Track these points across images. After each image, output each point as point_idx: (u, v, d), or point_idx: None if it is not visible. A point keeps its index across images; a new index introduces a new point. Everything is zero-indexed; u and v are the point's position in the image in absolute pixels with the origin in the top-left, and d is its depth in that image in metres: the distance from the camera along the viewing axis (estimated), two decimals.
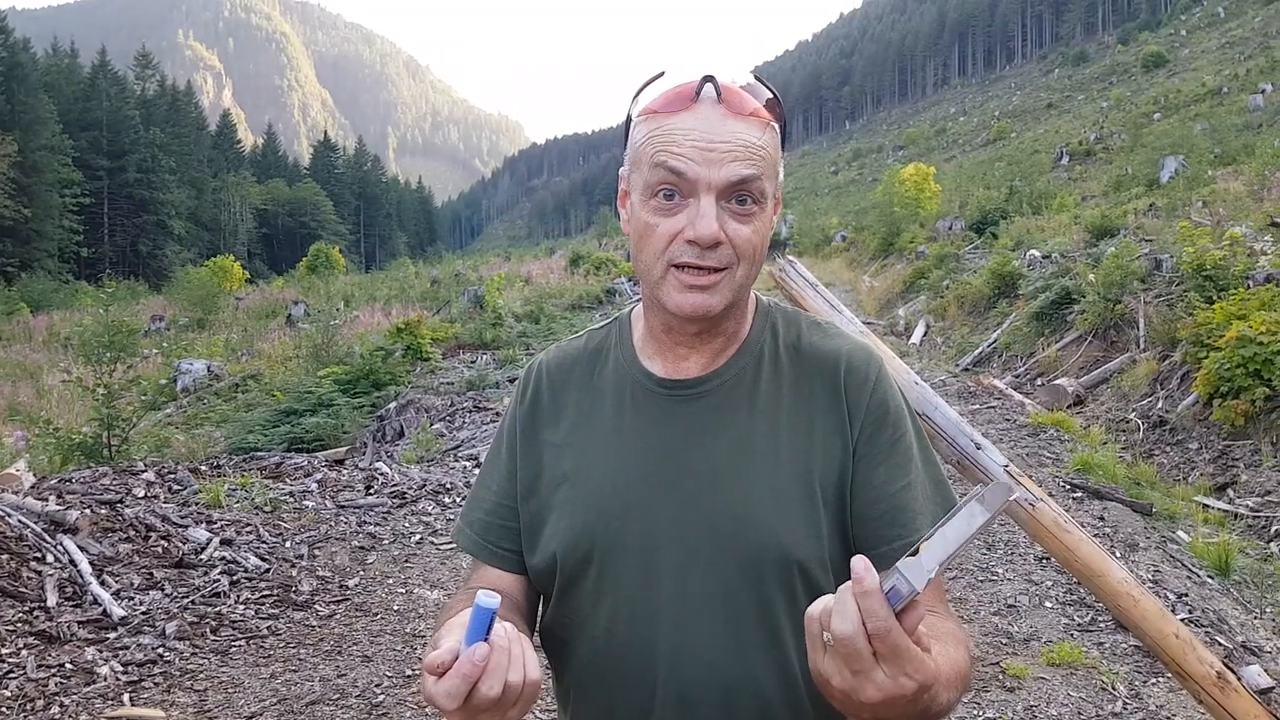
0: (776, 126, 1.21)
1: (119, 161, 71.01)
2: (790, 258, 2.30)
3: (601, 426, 1.30)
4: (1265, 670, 4.18)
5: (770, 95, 1.21)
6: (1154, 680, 4.11)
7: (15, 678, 4.12)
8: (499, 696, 0.94)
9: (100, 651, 4.44)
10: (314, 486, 7.52)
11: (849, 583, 0.86)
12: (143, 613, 4.85)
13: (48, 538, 5.31)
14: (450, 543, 6.28)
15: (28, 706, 3.93)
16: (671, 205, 1.16)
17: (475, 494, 1.39)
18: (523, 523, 1.31)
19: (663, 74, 1.22)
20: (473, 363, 16.06)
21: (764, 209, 1.18)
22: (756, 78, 1.23)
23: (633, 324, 1.36)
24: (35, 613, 4.66)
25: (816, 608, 0.90)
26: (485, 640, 0.94)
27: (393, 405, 11.48)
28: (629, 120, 1.24)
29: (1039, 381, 11.70)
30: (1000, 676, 4.17)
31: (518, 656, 0.96)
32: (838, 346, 1.29)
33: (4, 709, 3.89)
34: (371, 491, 7.45)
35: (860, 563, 0.85)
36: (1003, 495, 0.85)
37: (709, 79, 1.17)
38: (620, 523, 1.23)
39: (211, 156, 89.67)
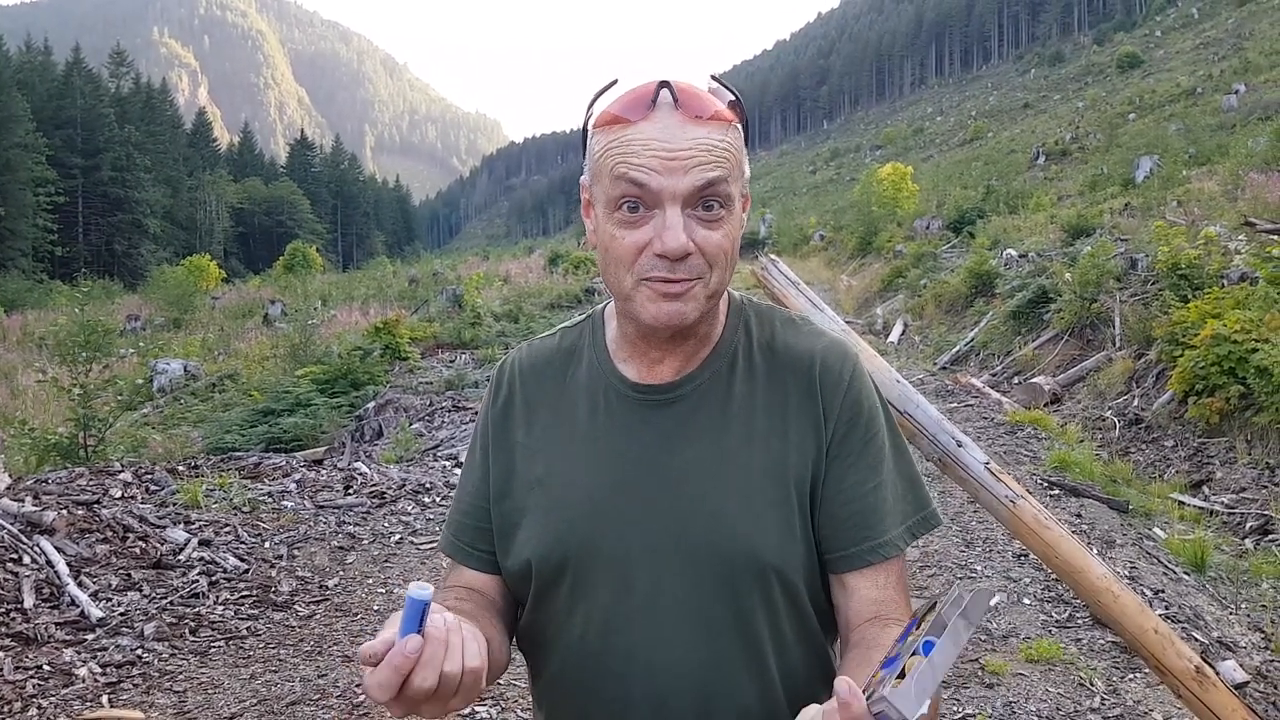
0: (739, 126, 1.18)
1: (93, 160, 70.33)
2: (772, 256, 2.31)
3: (575, 431, 1.28)
4: (1240, 665, 4.23)
5: (732, 97, 1.18)
6: (1131, 676, 4.14)
7: None
8: (434, 688, 0.93)
9: (78, 653, 4.40)
10: (293, 486, 7.48)
11: (834, 704, 0.84)
12: (121, 614, 4.82)
13: (24, 539, 5.26)
14: (430, 542, 6.27)
15: (5, 709, 3.90)
16: (636, 217, 1.13)
17: (456, 495, 1.39)
18: (495, 524, 1.30)
19: (616, 82, 1.19)
20: (451, 362, 16.03)
21: (732, 212, 1.15)
22: (717, 80, 1.20)
23: (605, 323, 1.34)
24: (12, 614, 4.63)
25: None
26: (419, 632, 0.93)
27: (371, 405, 11.45)
28: (586, 130, 1.21)
29: (1016, 380, 11.78)
30: (979, 673, 4.20)
31: (455, 647, 0.95)
32: (812, 345, 1.27)
33: None
34: (350, 491, 7.42)
35: (844, 685, 0.83)
36: (984, 604, 0.84)
37: (664, 84, 1.14)
38: (595, 531, 1.21)
39: (187, 155, 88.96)
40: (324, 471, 8.21)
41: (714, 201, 1.13)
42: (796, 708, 1.20)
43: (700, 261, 1.13)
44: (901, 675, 0.82)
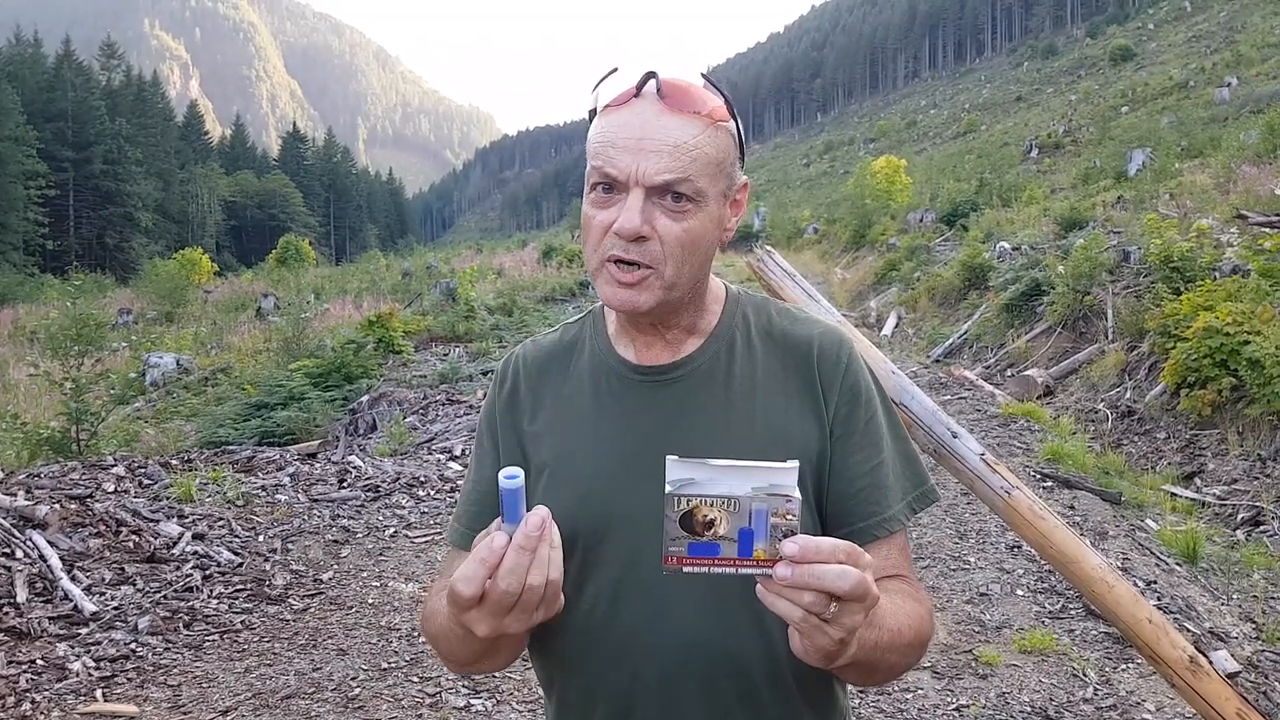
0: (729, 127, 1.21)
1: (84, 153, 70.10)
2: (768, 248, 2.31)
3: (580, 414, 1.31)
4: (1232, 655, 4.25)
5: (721, 98, 1.21)
6: (1124, 666, 4.16)
7: None
8: (518, 595, 0.98)
9: (72, 647, 4.40)
10: (286, 480, 7.47)
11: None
12: (114, 608, 4.81)
13: (16, 533, 5.25)
14: (425, 536, 6.27)
15: None
16: (608, 198, 1.19)
17: (464, 489, 1.41)
18: None
19: (616, 69, 1.23)
20: (445, 355, 15.99)
21: (702, 208, 1.19)
22: (707, 79, 1.23)
23: (606, 315, 1.38)
24: (5, 609, 4.62)
25: None
26: (515, 521, 0.96)
27: (365, 398, 11.42)
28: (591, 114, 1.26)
29: (1009, 372, 11.81)
30: (973, 664, 4.22)
31: (542, 559, 0.99)
32: (809, 331, 1.32)
33: None
34: (345, 485, 7.41)
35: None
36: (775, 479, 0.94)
37: (651, 75, 1.18)
38: (603, 507, 1.24)
39: (179, 148, 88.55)
40: (318, 465, 8.20)
41: (681, 194, 1.16)
42: (802, 682, 1.22)
43: (658, 249, 1.17)
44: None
